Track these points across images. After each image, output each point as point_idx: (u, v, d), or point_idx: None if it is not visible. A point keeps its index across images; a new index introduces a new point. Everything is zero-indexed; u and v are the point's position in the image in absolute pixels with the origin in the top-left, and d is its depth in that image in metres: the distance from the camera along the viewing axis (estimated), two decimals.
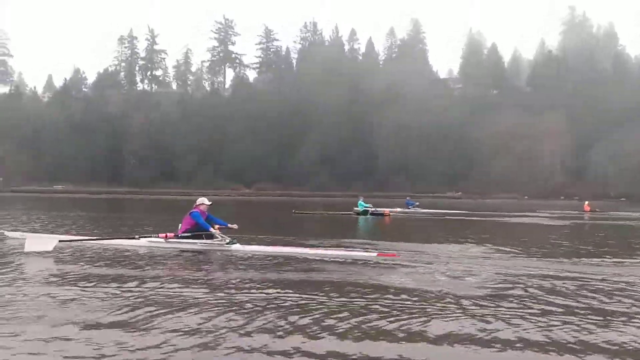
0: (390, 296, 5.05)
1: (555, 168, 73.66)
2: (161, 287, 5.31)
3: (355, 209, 22.42)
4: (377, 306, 4.60)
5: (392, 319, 4.15)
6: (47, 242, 7.58)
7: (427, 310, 4.47)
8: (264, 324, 3.95)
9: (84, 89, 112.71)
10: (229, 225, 8.87)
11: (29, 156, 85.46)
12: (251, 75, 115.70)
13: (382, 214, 21.78)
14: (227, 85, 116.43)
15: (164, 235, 8.39)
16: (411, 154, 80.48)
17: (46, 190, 74.31)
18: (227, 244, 8.20)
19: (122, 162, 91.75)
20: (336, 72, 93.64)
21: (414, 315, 4.27)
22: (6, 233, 9.93)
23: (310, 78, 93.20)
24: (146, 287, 5.28)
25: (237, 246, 8.23)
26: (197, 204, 8.78)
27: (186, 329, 3.75)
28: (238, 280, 5.89)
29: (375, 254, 7.67)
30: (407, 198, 30.32)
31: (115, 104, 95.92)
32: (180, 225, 8.68)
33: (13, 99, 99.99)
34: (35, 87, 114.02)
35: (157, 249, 8.31)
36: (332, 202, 41.77)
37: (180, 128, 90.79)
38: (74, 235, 10.29)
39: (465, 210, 27.11)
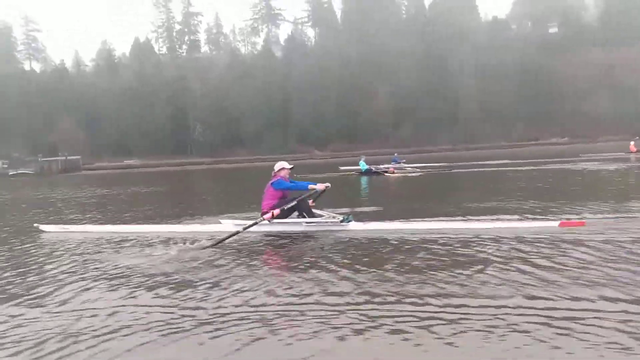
0: None
1: None
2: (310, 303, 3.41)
3: (350, 167, 22.56)
4: None
5: None
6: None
7: None
8: None
9: (114, 60, 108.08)
10: (318, 184, 6.74)
11: (89, 132, 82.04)
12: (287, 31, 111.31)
13: (384, 172, 20.38)
14: (261, 45, 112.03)
15: (269, 215, 6.48)
16: (496, 97, 76.37)
17: (121, 166, 71.75)
18: (341, 222, 6.43)
19: (188, 131, 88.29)
20: (395, 19, 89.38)
21: None
22: (41, 227, 7.82)
23: (370, 28, 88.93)
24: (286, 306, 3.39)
25: (355, 224, 6.45)
26: (276, 170, 7.04)
27: None
28: (400, 278, 3.91)
29: (556, 224, 5.73)
30: (395, 155, 29.02)
31: (167, 71, 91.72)
32: (262, 203, 6.88)
33: (56, 76, 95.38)
34: (81, 59, 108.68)
35: (254, 234, 6.41)
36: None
37: (240, 92, 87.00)
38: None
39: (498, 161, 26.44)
